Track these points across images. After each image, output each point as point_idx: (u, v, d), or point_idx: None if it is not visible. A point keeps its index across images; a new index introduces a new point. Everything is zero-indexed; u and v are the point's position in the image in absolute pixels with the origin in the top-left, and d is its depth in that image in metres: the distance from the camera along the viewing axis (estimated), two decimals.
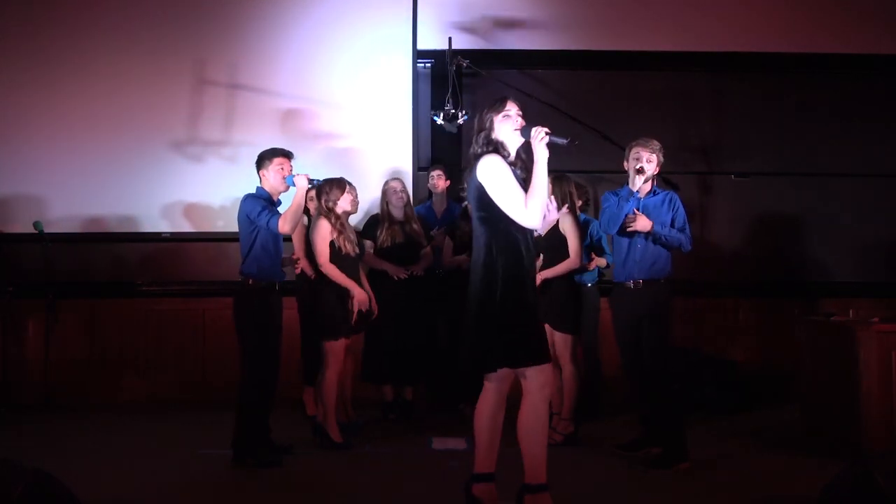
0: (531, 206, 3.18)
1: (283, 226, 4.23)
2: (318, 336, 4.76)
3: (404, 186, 5.65)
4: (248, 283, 4.33)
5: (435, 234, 5.67)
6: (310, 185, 4.35)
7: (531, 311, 3.22)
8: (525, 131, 3.25)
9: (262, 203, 4.31)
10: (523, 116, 3.32)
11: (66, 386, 6.11)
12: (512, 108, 3.30)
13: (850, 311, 4.71)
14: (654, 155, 4.30)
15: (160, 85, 6.26)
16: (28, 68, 6.25)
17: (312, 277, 4.92)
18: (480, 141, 3.33)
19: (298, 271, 5.03)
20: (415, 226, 5.58)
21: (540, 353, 3.22)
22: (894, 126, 6.82)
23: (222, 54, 6.32)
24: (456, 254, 5.57)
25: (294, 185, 4.30)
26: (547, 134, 3.19)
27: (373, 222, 5.62)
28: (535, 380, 3.20)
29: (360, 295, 4.68)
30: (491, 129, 3.30)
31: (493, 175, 3.23)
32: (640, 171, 4.22)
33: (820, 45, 6.70)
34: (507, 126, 3.28)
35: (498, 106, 3.31)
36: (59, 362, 6.09)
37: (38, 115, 6.24)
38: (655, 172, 4.36)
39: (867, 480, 2.78)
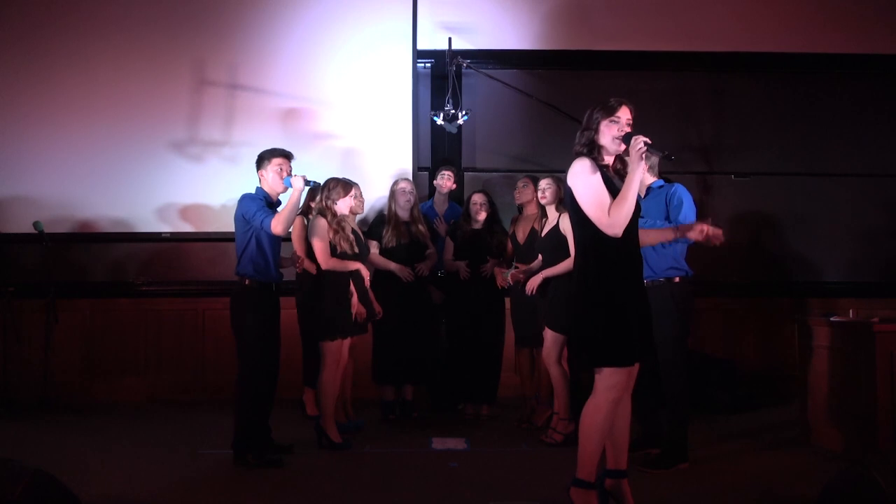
0: (614, 215, 3.10)
1: (276, 226, 4.21)
2: (317, 335, 4.76)
3: (413, 188, 5.64)
4: (244, 282, 4.33)
5: (437, 224, 5.73)
6: (306, 186, 4.34)
7: (615, 314, 3.14)
8: (626, 139, 3.15)
9: (259, 203, 4.30)
10: (632, 123, 3.21)
11: (66, 386, 6.12)
12: (623, 115, 3.18)
13: (851, 311, 4.71)
14: None
15: (160, 85, 6.27)
16: (27, 68, 6.25)
17: (315, 274, 4.92)
18: (582, 140, 3.24)
19: (300, 270, 5.01)
20: (421, 227, 5.58)
21: (609, 356, 3.17)
22: (894, 126, 6.82)
23: (222, 54, 6.32)
24: (457, 253, 5.57)
25: (291, 186, 4.30)
26: (645, 144, 3.08)
27: (379, 222, 5.63)
28: (604, 380, 3.18)
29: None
30: (596, 131, 3.21)
31: (580, 178, 3.17)
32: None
33: (820, 45, 6.72)
34: (612, 132, 3.19)
35: (608, 109, 3.19)
36: (58, 362, 6.09)
37: (38, 115, 6.24)
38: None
39: (867, 480, 2.78)
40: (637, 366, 3.27)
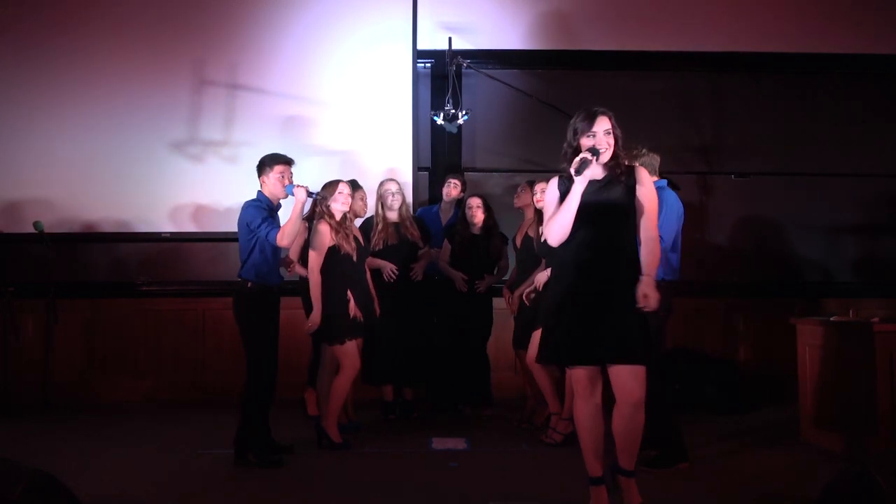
0: (547, 226, 3.32)
1: (282, 240, 4.24)
2: (322, 339, 4.74)
3: (400, 188, 5.59)
4: (246, 285, 4.36)
5: (421, 254, 5.58)
6: (308, 198, 4.32)
7: (559, 310, 3.26)
8: (594, 151, 3.23)
9: (263, 213, 4.32)
10: (611, 129, 3.26)
11: (66, 386, 6.11)
12: (600, 127, 3.25)
13: (850, 311, 4.70)
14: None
15: (160, 85, 6.27)
16: (28, 68, 6.26)
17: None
18: (568, 154, 3.32)
19: (291, 273, 5.00)
20: (409, 226, 5.55)
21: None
22: (894, 126, 6.82)
23: (222, 54, 6.33)
24: (454, 258, 5.55)
25: (293, 195, 4.29)
26: (581, 160, 3.18)
27: (368, 225, 5.59)
28: (567, 379, 3.37)
29: (314, 317, 4.60)
30: (578, 146, 3.28)
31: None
32: None
33: (820, 46, 6.72)
34: (588, 144, 3.26)
35: (585, 124, 3.27)
36: (58, 362, 6.09)
37: (39, 115, 6.24)
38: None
39: (867, 480, 2.78)
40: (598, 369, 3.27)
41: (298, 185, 4.30)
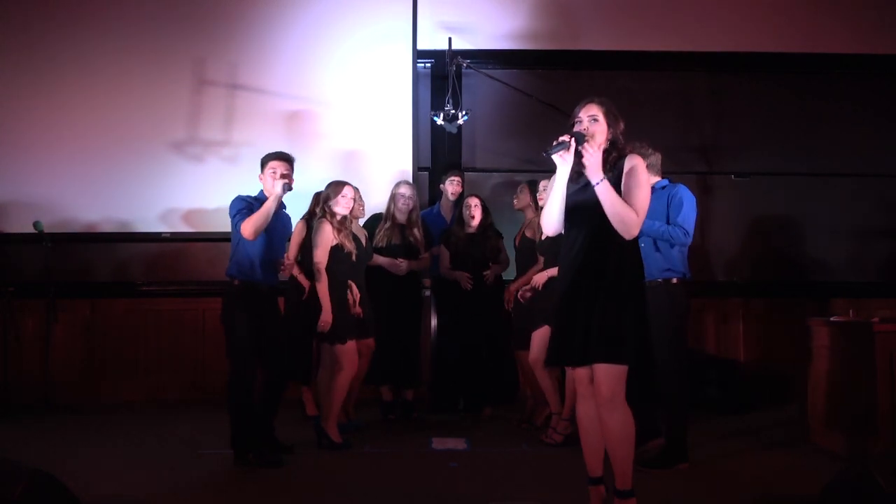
0: (541, 216, 3.33)
1: (246, 229, 4.16)
2: (323, 340, 4.74)
3: (414, 193, 5.59)
4: (233, 283, 4.32)
5: (421, 258, 5.60)
6: (286, 191, 4.26)
7: (556, 312, 3.25)
8: (576, 136, 3.20)
9: (244, 204, 4.29)
10: (598, 116, 3.19)
11: (66, 386, 6.11)
12: (585, 113, 3.22)
13: (850, 312, 4.71)
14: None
15: (160, 85, 6.27)
16: (28, 68, 6.26)
17: (305, 287, 4.93)
18: None
19: (287, 276, 4.97)
20: (416, 231, 5.55)
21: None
22: (894, 126, 6.82)
23: (222, 54, 6.33)
24: (453, 260, 5.55)
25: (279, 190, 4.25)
26: (559, 142, 3.16)
27: (374, 221, 5.61)
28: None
29: (325, 316, 4.58)
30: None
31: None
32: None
33: (820, 45, 6.72)
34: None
35: (576, 109, 3.26)
36: (59, 362, 6.09)
37: (38, 115, 6.24)
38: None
39: (867, 480, 2.78)
40: (585, 369, 3.17)
41: (278, 180, 4.24)
